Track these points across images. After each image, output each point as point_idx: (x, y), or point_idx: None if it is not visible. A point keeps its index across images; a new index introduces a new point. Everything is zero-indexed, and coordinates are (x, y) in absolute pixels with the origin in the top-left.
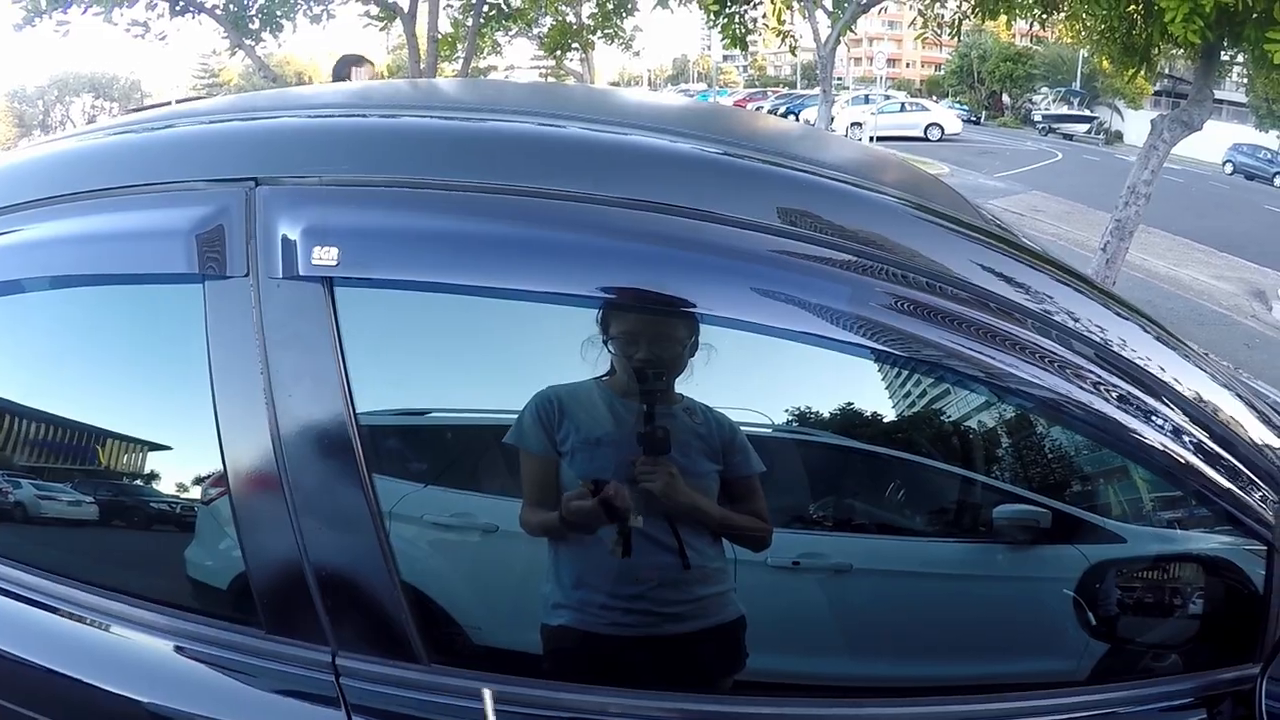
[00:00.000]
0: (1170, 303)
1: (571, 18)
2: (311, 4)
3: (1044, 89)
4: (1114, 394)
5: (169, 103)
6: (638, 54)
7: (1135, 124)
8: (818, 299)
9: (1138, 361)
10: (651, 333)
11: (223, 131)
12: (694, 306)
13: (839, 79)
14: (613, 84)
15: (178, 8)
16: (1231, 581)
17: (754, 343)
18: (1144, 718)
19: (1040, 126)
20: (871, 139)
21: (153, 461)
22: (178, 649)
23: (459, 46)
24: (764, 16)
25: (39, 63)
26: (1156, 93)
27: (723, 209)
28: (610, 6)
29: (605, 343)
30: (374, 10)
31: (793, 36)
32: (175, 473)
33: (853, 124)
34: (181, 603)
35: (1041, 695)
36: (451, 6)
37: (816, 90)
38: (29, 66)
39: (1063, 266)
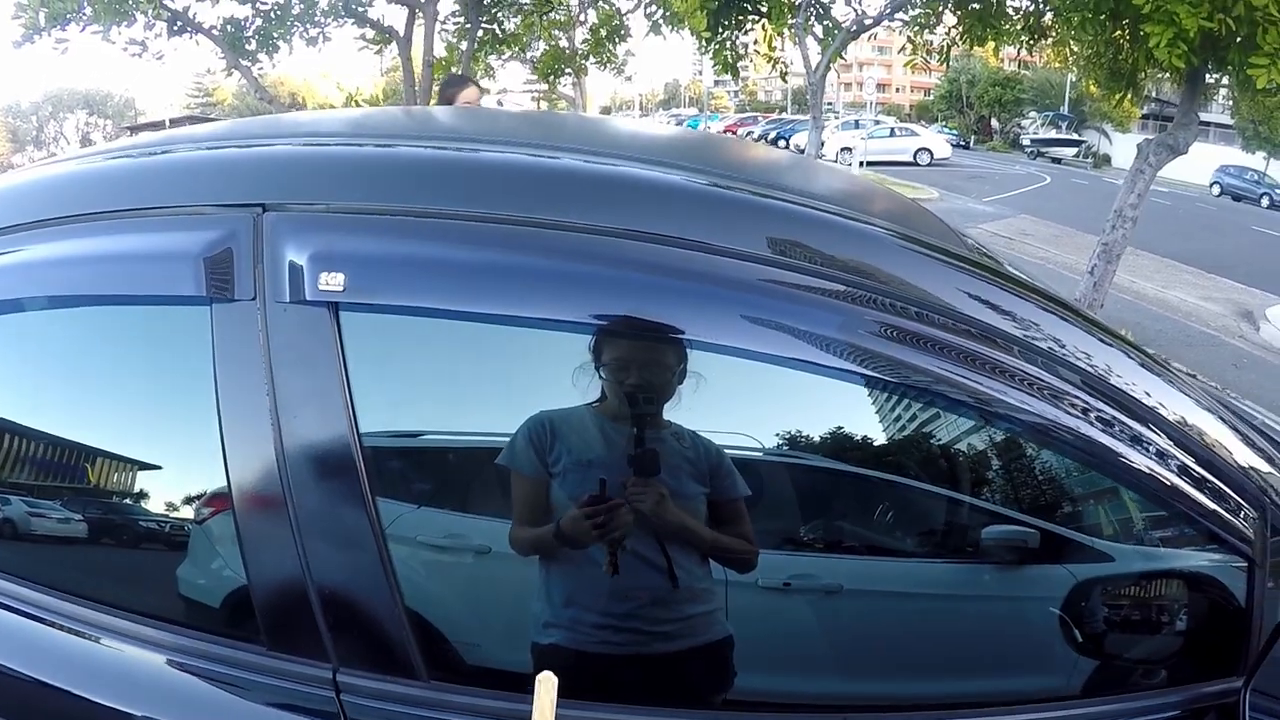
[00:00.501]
0: (1159, 324)
1: (565, 43)
2: (307, 26)
3: (1032, 113)
4: (1098, 418)
5: (163, 121)
6: (630, 79)
7: (1123, 147)
8: (805, 326)
9: (1122, 386)
10: (643, 359)
11: (231, 158)
12: (684, 333)
13: (829, 104)
14: (604, 109)
15: (175, 28)
16: (1215, 597)
17: (748, 369)
18: None
19: (1029, 150)
20: (861, 164)
21: (158, 480)
22: (180, 665)
23: (454, 70)
24: (755, 43)
25: (34, 79)
26: (1144, 116)
27: (714, 239)
28: (603, 33)
29: (598, 369)
30: (369, 34)
31: (783, 63)
32: (179, 491)
33: (843, 149)
34: (184, 619)
35: (1030, 710)
36: (446, 30)
37: (807, 115)
38: (24, 82)
39: (1047, 294)
